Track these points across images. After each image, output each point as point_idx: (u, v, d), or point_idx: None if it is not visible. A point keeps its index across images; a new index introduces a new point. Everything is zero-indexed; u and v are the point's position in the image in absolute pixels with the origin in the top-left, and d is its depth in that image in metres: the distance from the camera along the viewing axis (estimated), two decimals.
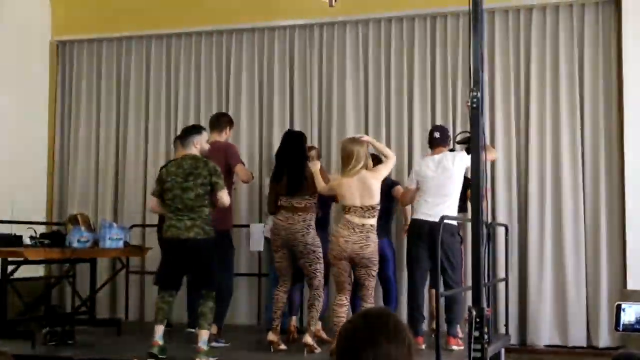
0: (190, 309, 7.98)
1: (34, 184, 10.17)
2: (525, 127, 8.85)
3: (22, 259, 7.59)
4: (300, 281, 7.53)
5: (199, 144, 6.91)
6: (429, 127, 8.87)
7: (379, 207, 6.80)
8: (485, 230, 5.91)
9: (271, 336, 6.99)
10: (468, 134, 6.05)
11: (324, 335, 7.51)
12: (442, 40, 9.17)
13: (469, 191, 7.12)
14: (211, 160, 6.87)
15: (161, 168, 7.16)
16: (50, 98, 10.52)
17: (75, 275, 9.31)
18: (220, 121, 7.93)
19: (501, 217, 8.65)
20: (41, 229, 8.65)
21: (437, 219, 6.65)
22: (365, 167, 6.80)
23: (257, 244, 8.71)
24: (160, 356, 6.51)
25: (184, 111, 9.95)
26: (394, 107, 9.23)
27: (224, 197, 6.72)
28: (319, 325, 7.43)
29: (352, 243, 6.63)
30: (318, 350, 6.92)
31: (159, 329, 6.63)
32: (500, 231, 8.40)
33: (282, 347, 7.01)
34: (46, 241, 7.86)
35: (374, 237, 6.72)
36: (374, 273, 6.78)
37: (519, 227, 8.76)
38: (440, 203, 7.07)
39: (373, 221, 6.74)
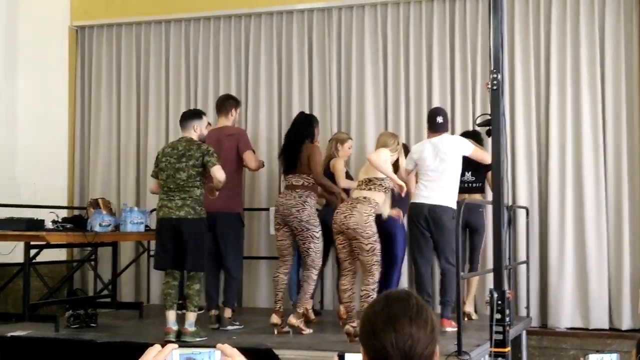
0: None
1: (56, 168, 10.23)
2: (545, 109, 8.79)
3: (44, 242, 7.64)
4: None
5: (199, 129, 7.01)
6: (449, 111, 8.89)
7: (378, 182, 6.70)
8: (506, 213, 5.91)
9: (274, 319, 7.01)
10: (488, 116, 6.02)
11: (312, 316, 7.58)
12: (462, 22, 9.11)
13: (489, 173, 7.12)
14: (226, 143, 7.14)
15: (159, 151, 7.21)
16: (70, 83, 10.55)
17: (97, 259, 9.38)
18: (225, 104, 7.87)
19: (522, 200, 8.62)
20: (63, 213, 8.73)
21: (436, 202, 6.76)
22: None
23: None
24: (186, 339, 6.52)
25: (203, 95, 9.95)
26: (413, 90, 9.19)
27: (217, 173, 6.75)
28: (309, 305, 7.46)
29: (340, 214, 6.65)
30: (306, 331, 6.97)
31: (171, 315, 6.72)
32: (521, 214, 8.39)
33: (286, 329, 7.00)
34: (68, 225, 7.92)
35: (362, 208, 6.58)
36: (367, 247, 6.54)
37: (540, 210, 8.72)
38: (439, 187, 7.05)
39: (368, 194, 6.66)
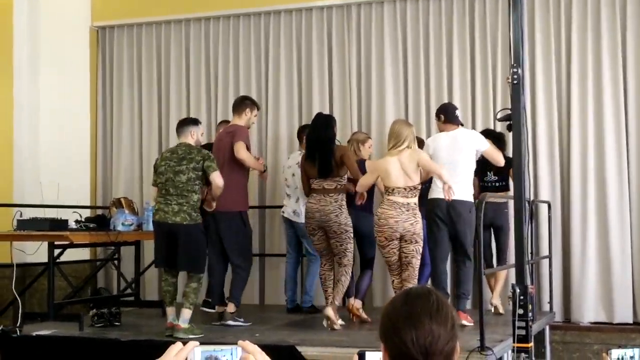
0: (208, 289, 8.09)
1: (79, 168, 10.31)
2: (567, 104, 8.74)
3: (68, 242, 7.70)
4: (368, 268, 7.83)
5: (195, 135, 7.14)
6: (470, 106, 8.88)
7: (419, 187, 6.85)
8: (528, 208, 5.89)
9: (328, 311, 7.07)
10: (509, 111, 6.01)
11: (363, 314, 7.58)
12: (482, 16, 9.08)
13: (511, 169, 7.10)
14: (225, 139, 7.36)
15: (157, 159, 7.35)
16: (92, 83, 10.62)
17: (120, 258, 9.44)
18: (240, 104, 7.87)
19: (544, 194, 8.59)
20: (86, 213, 8.79)
21: (454, 196, 6.75)
22: (409, 148, 6.83)
23: None
24: (179, 336, 6.60)
25: (224, 94, 9.98)
26: (434, 85, 9.18)
27: (216, 179, 6.91)
28: (358, 303, 7.55)
29: (402, 222, 6.71)
30: (338, 326, 7.02)
31: (170, 311, 6.89)
32: (543, 208, 8.36)
33: (340, 322, 7.09)
34: (91, 225, 7.97)
35: (419, 215, 6.83)
36: (420, 250, 6.83)
37: (562, 204, 8.68)
38: (455, 181, 6.98)
39: (415, 200, 6.81)
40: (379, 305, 8.79)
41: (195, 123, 7.31)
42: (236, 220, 7.56)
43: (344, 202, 7.18)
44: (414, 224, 6.74)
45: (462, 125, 7.50)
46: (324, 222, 7.13)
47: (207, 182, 6.99)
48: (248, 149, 7.57)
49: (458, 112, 7.47)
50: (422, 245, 6.85)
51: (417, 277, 6.85)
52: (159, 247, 7.07)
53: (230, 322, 7.29)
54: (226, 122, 8.93)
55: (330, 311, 7.03)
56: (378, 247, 7.03)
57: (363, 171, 7.31)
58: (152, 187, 7.29)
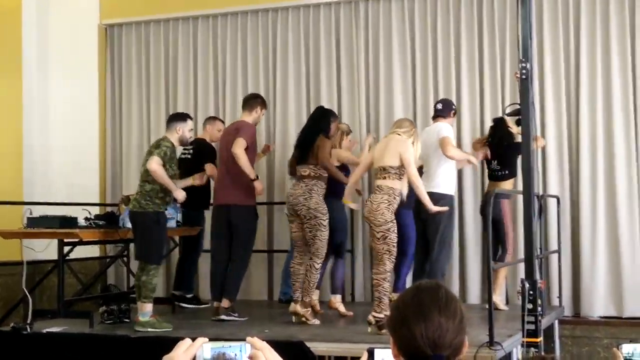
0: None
1: (88, 166, 10.33)
2: (575, 98, 8.72)
3: (77, 239, 7.73)
4: (338, 256, 7.95)
5: (181, 130, 7.32)
6: (478, 101, 8.90)
7: (394, 171, 6.61)
8: (536, 202, 5.89)
9: (293, 307, 7.21)
10: (518, 106, 6.00)
11: (317, 307, 7.67)
12: (490, 12, 9.05)
13: (515, 158, 7.18)
14: (230, 136, 7.50)
15: None
16: (100, 81, 10.65)
17: (129, 255, 9.45)
18: (250, 101, 7.87)
19: (553, 189, 8.57)
20: (95, 210, 8.81)
21: (431, 189, 7.06)
22: (399, 135, 6.78)
23: None
24: (136, 328, 6.88)
25: (232, 91, 10.00)
26: (442, 80, 9.16)
27: (150, 163, 7.03)
28: (315, 295, 7.56)
29: (366, 205, 6.75)
30: (312, 321, 7.10)
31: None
32: (552, 203, 8.35)
33: (314, 321, 7.17)
34: (101, 222, 7.99)
35: (374, 197, 6.61)
36: (377, 235, 6.53)
37: (571, 198, 8.66)
38: (435, 174, 7.36)
39: (388, 183, 6.60)
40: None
41: (184, 119, 7.47)
42: (241, 215, 7.58)
43: (315, 188, 7.26)
44: (371, 209, 6.52)
45: (446, 117, 7.72)
46: (295, 206, 7.26)
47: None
48: (251, 146, 7.54)
49: (440, 105, 7.78)
50: (378, 227, 6.52)
51: (384, 254, 6.53)
52: None
53: (224, 317, 7.32)
54: (213, 118, 9.02)
55: (297, 307, 7.14)
56: None
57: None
58: None
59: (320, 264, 7.28)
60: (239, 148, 7.35)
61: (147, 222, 7.13)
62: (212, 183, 8.23)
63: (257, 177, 7.60)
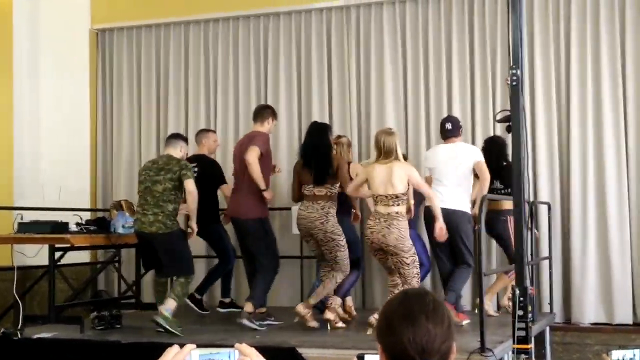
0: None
1: (79, 171, 10.31)
2: (566, 104, 8.74)
3: (68, 245, 7.71)
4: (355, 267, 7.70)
5: (183, 150, 7.45)
6: (469, 107, 8.91)
7: (404, 197, 6.71)
8: (527, 209, 5.89)
9: (298, 308, 7.19)
10: (508, 112, 6.01)
11: (353, 311, 7.76)
12: (481, 18, 9.08)
13: None
14: (244, 146, 7.42)
15: (140, 168, 7.72)
16: (91, 86, 10.63)
17: (120, 260, 9.44)
18: (262, 112, 7.86)
19: (544, 196, 8.59)
20: (87, 216, 8.79)
21: (451, 207, 7.03)
22: (397, 159, 6.78)
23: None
24: (157, 320, 6.88)
25: (223, 96, 10.00)
26: (433, 86, 9.18)
27: (189, 185, 7.12)
28: (349, 302, 7.76)
29: (377, 233, 6.68)
30: (312, 323, 7.14)
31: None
32: (543, 209, 8.36)
33: (340, 324, 7.20)
34: (92, 227, 7.98)
35: (398, 224, 6.64)
36: (407, 260, 6.66)
37: (562, 205, 8.68)
38: (453, 192, 7.24)
39: (398, 209, 6.68)
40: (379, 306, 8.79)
41: (186, 140, 7.67)
42: (251, 226, 7.57)
43: (332, 210, 7.19)
44: (386, 235, 6.61)
45: (457, 137, 7.64)
46: (310, 230, 7.18)
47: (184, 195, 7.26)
48: (265, 155, 7.52)
49: (449, 125, 7.64)
50: (408, 255, 6.66)
51: (414, 277, 6.70)
52: (142, 254, 7.58)
53: (244, 322, 7.18)
54: (206, 130, 9.00)
55: (300, 307, 7.15)
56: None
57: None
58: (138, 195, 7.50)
59: (342, 279, 7.26)
60: (252, 156, 7.33)
61: (176, 241, 7.19)
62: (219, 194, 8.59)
63: (268, 187, 7.58)
